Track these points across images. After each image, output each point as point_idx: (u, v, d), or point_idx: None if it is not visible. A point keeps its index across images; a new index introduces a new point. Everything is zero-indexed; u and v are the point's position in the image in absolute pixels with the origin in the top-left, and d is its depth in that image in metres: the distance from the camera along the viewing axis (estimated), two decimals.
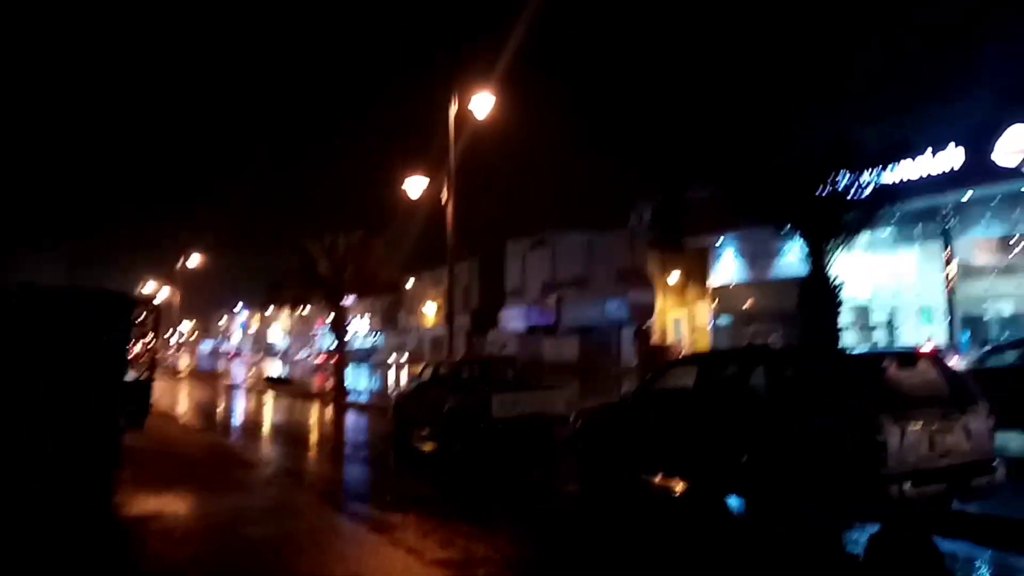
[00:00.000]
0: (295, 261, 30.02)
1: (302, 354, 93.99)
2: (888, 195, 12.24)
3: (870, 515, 6.96)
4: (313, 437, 17.87)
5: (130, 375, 13.06)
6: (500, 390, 13.39)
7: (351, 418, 21.50)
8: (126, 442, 13.36)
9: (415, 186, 21.44)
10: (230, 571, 6.43)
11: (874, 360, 7.00)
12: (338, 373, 28.77)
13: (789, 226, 12.10)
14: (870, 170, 11.82)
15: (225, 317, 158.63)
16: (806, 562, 6.58)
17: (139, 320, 13.20)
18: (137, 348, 13.24)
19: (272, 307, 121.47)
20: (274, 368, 57.53)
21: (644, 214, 57.36)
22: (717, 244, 48.49)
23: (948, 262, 36.81)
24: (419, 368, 19.53)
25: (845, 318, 43.04)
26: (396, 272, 32.26)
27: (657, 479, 9.74)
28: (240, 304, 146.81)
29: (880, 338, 40.21)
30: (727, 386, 8.28)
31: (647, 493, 9.66)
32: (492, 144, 24.56)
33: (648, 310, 13.42)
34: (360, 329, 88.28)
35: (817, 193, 11.62)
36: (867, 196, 11.77)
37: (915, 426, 6.50)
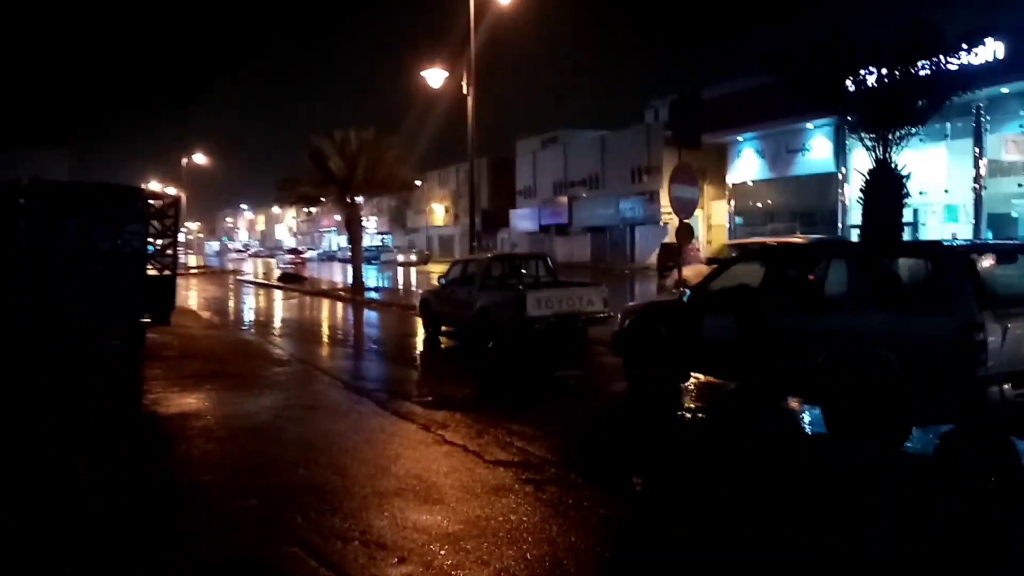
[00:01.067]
0: (305, 159, 29.11)
1: (311, 253, 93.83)
2: (958, 83, 11.34)
3: (962, 420, 6.59)
4: (337, 334, 17.62)
5: (152, 271, 12.65)
6: (534, 288, 12.93)
7: (370, 315, 21.23)
8: (153, 340, 13.14)
9: (435, 77, 20.37)
10: (285, 473, 6.10)
11: (967, 253, 6.44)
12: (356, 271, 28.39)
13: (854, 115, 11.25)
14: (941, 57, 10.90)
15: (230, 216, 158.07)
16: (864, 477, 6.21)
17: (159, 215, 12.67)
18: (158, 243, 12.76)
19: (280, 206, 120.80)
20: (285, 266, 57.47)
21: (659, 112, 55.69)
22: (737, 141, 47.25)
23: (978, 159, 35.75)
24: (444, 267, 19.06)
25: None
26: (409, 170, 31.33)
27: (714, 382, 9.39)
28: (244, 205, 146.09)
29: (907, 235, 39.58)
30: (798, 284, 7.77)
31: (699, 396, 9.32)
32: (503, 40, 23.26)
33: (692, 205, 12.69)
34: (367, 229, 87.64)
35: (886, 79, 10.74)
36: (938, 83, 10.89)
37: (1017, 325, 6.02)
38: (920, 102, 10.74)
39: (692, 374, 9.13)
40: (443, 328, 15.16)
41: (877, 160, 10.92)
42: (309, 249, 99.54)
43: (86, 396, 9.33)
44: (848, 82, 11.15)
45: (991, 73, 29.77)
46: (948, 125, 37.43)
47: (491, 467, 6.25)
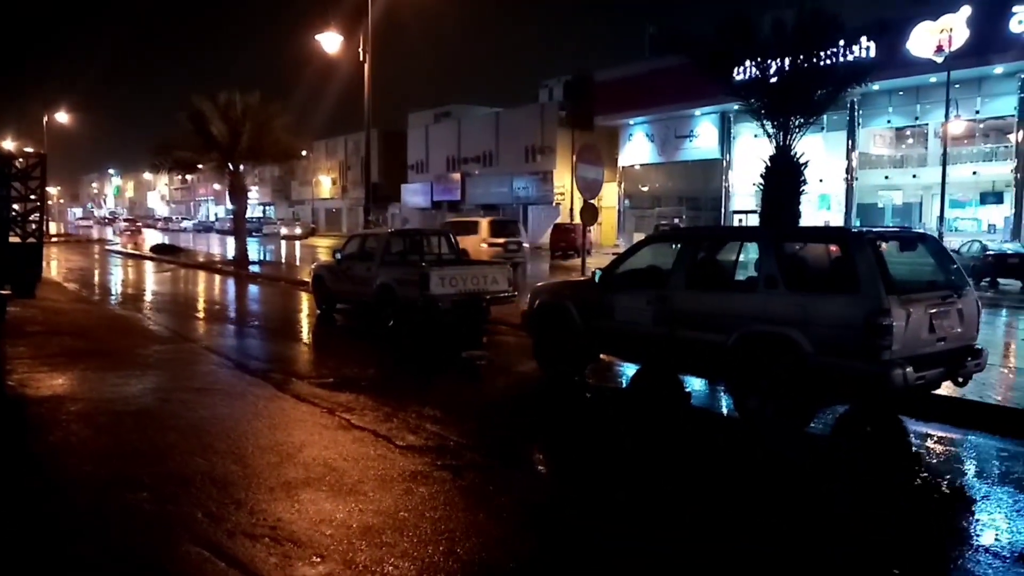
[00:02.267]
0: (185, 121, 27.37)
1: (186, 223, 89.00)
2: (855, 74, 11.78)
3: (866, 401, 6.82)
4: (222, 310, 16.65)
5: (14, 238, 11.46)
6: (437, 265, 12.59)
7: (256, 291, 20.24)
8: (15, 314, 11.92)
9: (329, 42, 19.46)
10: (179, 462, 5.56)
11: (875, 239, 6.63)
12: (240, 243, 27.07)
13: (757, 101, 11.50)
14: (841, 48, 11.26)
15: (96, 182, 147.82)
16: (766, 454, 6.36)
17: (21, 176, 11.46)
18: (19, 208, 11.55)
19: (155, 172, 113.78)
20: (157, 236, 54.28)
21: (554, 91, 56.00)
22: (628, 125, 48.16)
23: (850, 152, 37.97)
24: (331, 241, 18.26)
25: (747, 202, 43.92)
26: (297, 139, 30.07)
27: (623, 362, 9.41)
28: (112, 169, 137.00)
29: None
30: (710, 266, 7.83)
31: (607, 378, 9.33)
32: (395, 8, 22.40)
33: (598, 185, 12.69)
34: (249, 199, 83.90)
35: (789, 67, 11.01)
36: (836, 74, 11.27)
37: (918, 309, 6.26)
38: (820, 91, 11.09)
39: (602, 355, 9.09)
40: (337, 305, 14.58)
41: (778, 147, 11.22)
42: (184, 219, 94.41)
43: None
44: (750, 65, 11.35)
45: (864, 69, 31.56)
46: (824, 118, 39.45)
47: (405, 453, 5.95)
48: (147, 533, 4.33)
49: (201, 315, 15.33)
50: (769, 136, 11.51)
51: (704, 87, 41.72)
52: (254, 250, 36.93)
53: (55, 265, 26.78)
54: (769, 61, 11.16)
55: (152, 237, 57.06)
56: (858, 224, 38.62)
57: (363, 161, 24.89)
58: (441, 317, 12.31)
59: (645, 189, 48.33)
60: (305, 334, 13.34)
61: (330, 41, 19.43)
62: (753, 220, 42.64)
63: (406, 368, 9.88)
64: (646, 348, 7.92)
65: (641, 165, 47.95)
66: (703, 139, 44.53)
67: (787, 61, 11.09)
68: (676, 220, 45.24)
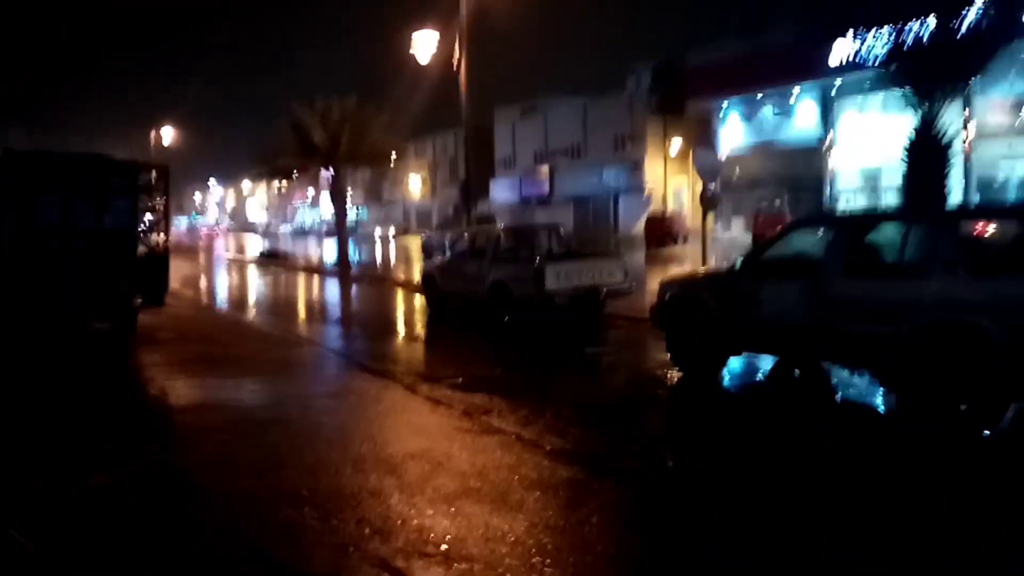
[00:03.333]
0: (283, 130, 28.02)
1: (282, 228, 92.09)
2: (1007, 34, 10.67)
3: None
4: (336, 312, 16.83)
5: (142, 248, 11.78)
6: (552, 260, 12.25)
7: (365, 292, 20.44)
8: (145, 322, 12.28)
9: (425, 43, 19.38)
10: (333, 474, 5.40)
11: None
12: (342, 245, 27.53)
13: (895, 70, 10.60)
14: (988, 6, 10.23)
15: (198, 192, 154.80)
16: None
17: (148, 188, 11.76)
18: (148, 218, 11.86)
19: (251, 181, 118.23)
20: (259, 243, 56.22)
21: (643, 78, 54.82)
22: (722, 108, 46.57)
23: (966, 123, 35.50)
24: (435, 237, 18.18)
25: (853, 182, 41.79)
26: (392, 140, 30.32)
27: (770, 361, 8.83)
28: (213, 179, 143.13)
29: (893, 201, 39.42)
30: (871, 251, 7.18)
31: (746, 372, 8.76)
32: (479, 5, 22.06)
33: (717, 169, 12.06)
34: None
35: (936, 29, 10.08)
36: (983, 37, 10.23)
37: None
38: (980, 55, 10.09)
39: (744, 351, 8.53)
40: (454, 305, 14.46)
41: (923, 119, 10.31)
42: (283, 224, 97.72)
43: (87, 386, 8.52)
44: (889, 31, 10.45)
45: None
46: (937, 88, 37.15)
47: (557, 459, 5.62)
48: (320, 552, 4.14)
49: (317, 317, 15.52)
50: (913, 108, 10.58)
51: (803, 63, 40.26)
52: (352, 251, 37.65)
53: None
54: (911, 24, 10.20)
55: (252, 242, 59.21)
56: (978, 199, 36.11)
57: (443, 163, 24.76)
58: (558, 313, 11.99)
59: (738, 171, 46.63)
60: (421, 333, 13.27)
61: (426, 40, 19.34)
62: (861, 202, 40.56)
63: (531, 367, 9.57)
64: (801, 342, 7.34)
65: (736, 151, 46.30)
66: (802, 119, 42.56)
67: (930, 21, 10.10)
68: (777, 202, 43.50)
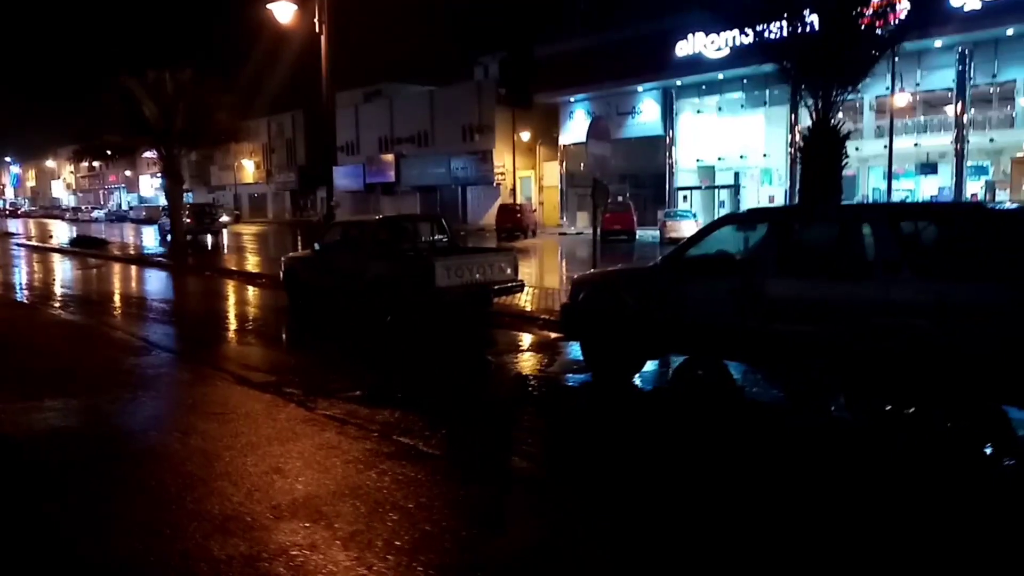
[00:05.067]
0: (111, 103, 25.06)
1: (96, 213, 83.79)
2: (897, 34, 11.03)
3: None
4: (183, 311, 14.99)
5: None
6: (441, 254, 11.42)
7: (208, 287, 18.51)
8: None
9: (283, 10, 17.76)
10: (268, 531, 4.37)
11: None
12: (176, 232, 25.08)
13: (788, 65, 10.67)
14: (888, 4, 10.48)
15: None
16: None
17: None
18: None
19: (55, 160, 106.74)
20: (67, 228, 50.72)
21: (490, 68, 54.63)
22: (569, 102, 47.31)
23: (794, 126, 38.14)
24: (255, 228, 16.73)
25: (690, 179, 43.89)
26: (233, 117, 27.98)
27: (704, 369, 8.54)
28: (10, 157, 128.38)
29: (726, 198, 41.73)
30: (807, 249, 7.00)
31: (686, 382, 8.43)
32: None
33: (607, 162, 11.59)
34: (159, 185, 79.74)
35: (831, 26, 10.21)
36: (883, 33, 10.47)
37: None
38: (873, 52, 10.33)
39: (666, 353, 8.18)
40: (321, 302, 13.24)
41: (817, 117, 10.46)
42: (95, 208, 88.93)
43: None
44: (782, 25, 10.50)
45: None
46: (767, 92, 39.66)
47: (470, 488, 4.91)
48: None
49: (161, 317, 13.70)
50: (807, 107, 10.74)
51: (647, 62, 41.72)
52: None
53: None
54: (806, 19, 10.27)
55: (60, 229, 53.29)
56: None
57: (280, 147, 23.21)
58: (446, 311, 11.22)
59: (579, 169, 47.55)
60: (291, 336, 12.00)
61: (283, 10, 17.73)
62: (696, 199, 42.64)
63: (430, 375, 8.72)
64: (732, 344, 7.04)
65: (583, 143, 47.12)
66: (645, 116, 44.15)
67: (825, 20, 10.22)
68: (620, 198, 44.72)
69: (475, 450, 5.90)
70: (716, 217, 10.11)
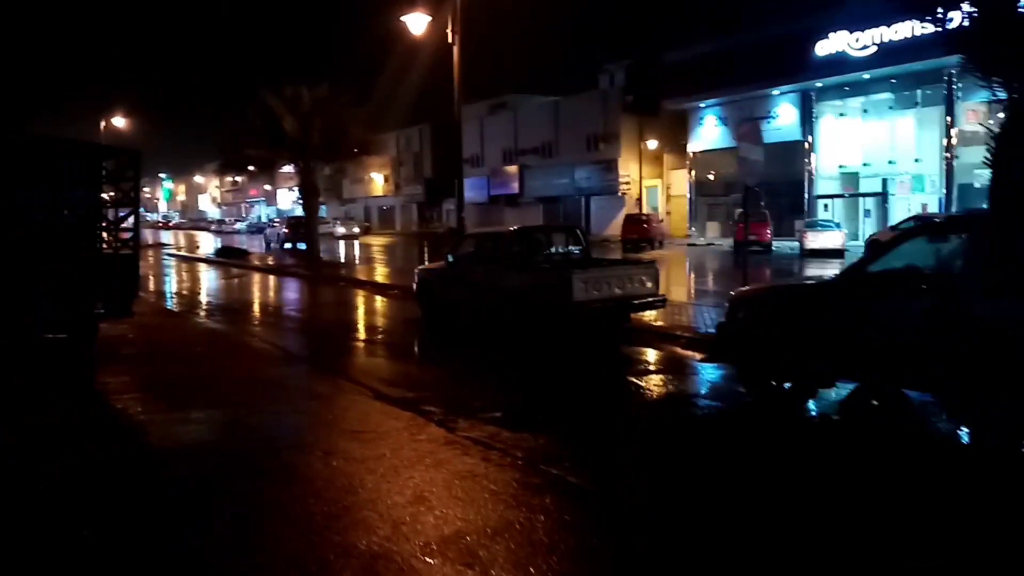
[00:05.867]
0: (252, 117, 26.21)
1: (238, 225, 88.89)
2: None
3: None
4: (321, 321, 15.21)
5: (107, 248, 10.12)
6: (579, 267, 10.90)
7: (344, 297, 18.81)
8: (106, 332, 10.59)
9: (416, 22, 17.89)
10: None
11: None
12: (312, 244, 25.83)
13: (971, 59, 9.45)
14: None
15: (147, 187, 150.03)
16: None
17: (113, 177, 10.09)
18: (112, 213, 10.21)
19: (202, 175, 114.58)
20: (212, 240, 53.86)
21: (616, 77, 53.87)
22: (699, 108, 45.83)
23: (949, 128, 35.22)
24: (384, 240, 16.71)
25: (831, 187, 41.16)
26: (366, 131, 28.64)
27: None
28: (163, 173, 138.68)
29: (872, 207, 39.05)
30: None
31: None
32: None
33: (758, 167, 10.82)
34: (296, 199, 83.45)
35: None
36: None
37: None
38: None
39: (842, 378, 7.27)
40: (449, 316, 13.01)
41: (1014, 108, 9.20)
42: (237, 220, 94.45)
43: (42, 425, 6.90)
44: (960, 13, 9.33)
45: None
46: (919, 92, 36.85)
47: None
48: None
49: (300, 327, 13.92)
50: (1002, 101, 9.50)
51: (784, 64, 39.74)
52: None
53: None
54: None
55: (206, 240, 56.67)
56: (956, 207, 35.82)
57: (407, 160, 23.31)
58: (583, 327, 10.67)
59: (711, 176, 45.82)
60: (427, 349, 11.80)
61: (416, 22, 17.85)
62: (838, 207, 40.10)
63: (572, 396, 8.19)
64: (923, 373, 6.11)
65: (712, 151, 45.52)
66: (782, 120, 42.01)
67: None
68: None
69: (631, 484, 5.31)
70: (901, 227, 8.97)
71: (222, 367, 9.62)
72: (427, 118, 69.14)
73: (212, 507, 4.92)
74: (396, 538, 4.27)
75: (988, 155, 9.25)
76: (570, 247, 12.31)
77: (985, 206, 32.73)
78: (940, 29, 9.67)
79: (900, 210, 36.50)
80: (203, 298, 19.15)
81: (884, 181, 38.44)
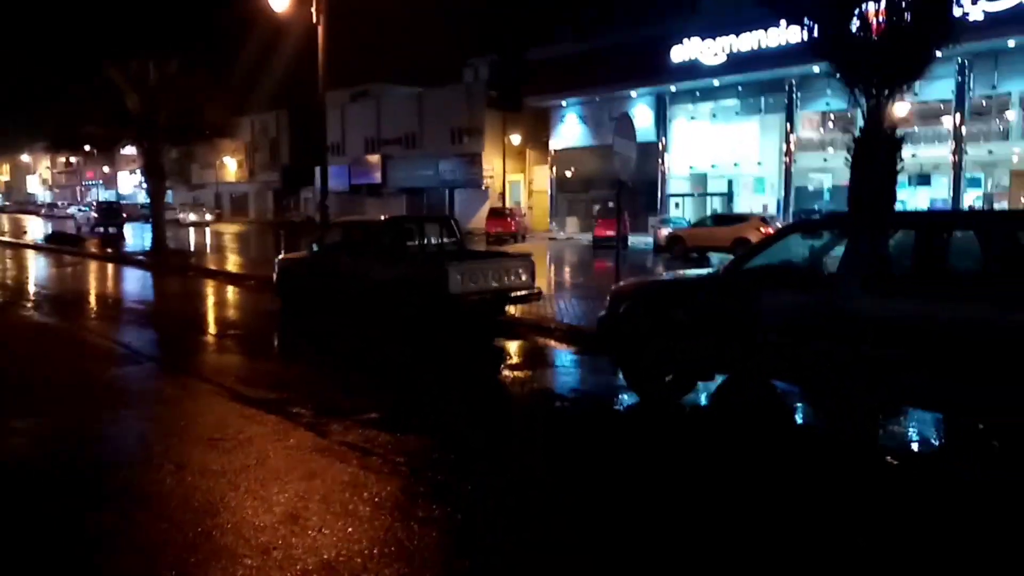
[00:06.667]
0: (92, 93, 23.90)
1: (72, 210, 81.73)
2: (959, 29, 10.24)
3: None
4: (166, 314, 13.95)
5: None
6: (455, 259, 10.51)
7: (187, 287, 17.45)
8: None
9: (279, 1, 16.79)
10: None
11: None
12: (158, 231, 23.96)
13: (852, 61, 9.79)
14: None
15: None
16: None
17: None
18: None
19: (29, 155, 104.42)
20: (41, 225, 49.33)
21: (480, 71, 53.77)
22: (560, 106, 46.54)
23: (788, 134, 37.65)
24: (237, 228, 15.86)
25: (682, 186, 43.26)
26: (220, 113, 26.81)
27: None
28: None
29: (718, 206, 41.10)
30: (907, 262, 6.16)
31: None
32: None
33: (631, 163, 10.73)
34: (137, 184, 77.97)
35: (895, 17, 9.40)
36: (945, 28, 9.69)
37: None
38: (929, 49, 9.57)
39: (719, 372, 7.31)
40: (318, 308, 12.28)
41: (870, 119, 9.68)
42: (70, 205, 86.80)
43: None
44: (809, 26, 9.74)
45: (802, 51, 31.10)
46: (763, 99, 39.14)
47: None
48: None
49: (145, 322, 12.68)
50: (860, 106, 9.97)
51: (642, 67, 41.07)
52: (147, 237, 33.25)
53: None
54: (866, 10, 9.45)
55: (35, 226, 51.66)
56: (793, 209, 38.40)
57: (263, 146, 22.27)
58: (458, 320, 10.33)
59: (569, 174, 46.71)
60: (289, 344, 11.04)
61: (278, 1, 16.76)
62: (688, 206, 41.99)
63: (449, 392, 7.81)
64: (801, 366, 6.20)
65: (573, 148, 46.42)
66: (638, 121, 42.98)
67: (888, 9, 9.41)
68: (611, 204, 43.83)
69: (525, 494, 5.01)
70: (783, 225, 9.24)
71: (52, 367, 8.51)
72: (285, 103, 66.41)
73: (34, 543, 4.15)
74: (267, 568, 3.73)
75: (847, 156, 9.72)
76: (444, 239, 11.90)
77: (816, 207, 35.11)
78: (806, 37, 10.04)
79: (744, 210, 38.68)
80: (30, 288, 17.18)
81: (730, 182, 40.65)
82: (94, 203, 51.46)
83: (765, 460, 5.66)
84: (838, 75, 10.00)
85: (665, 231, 30.00)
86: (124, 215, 43.07)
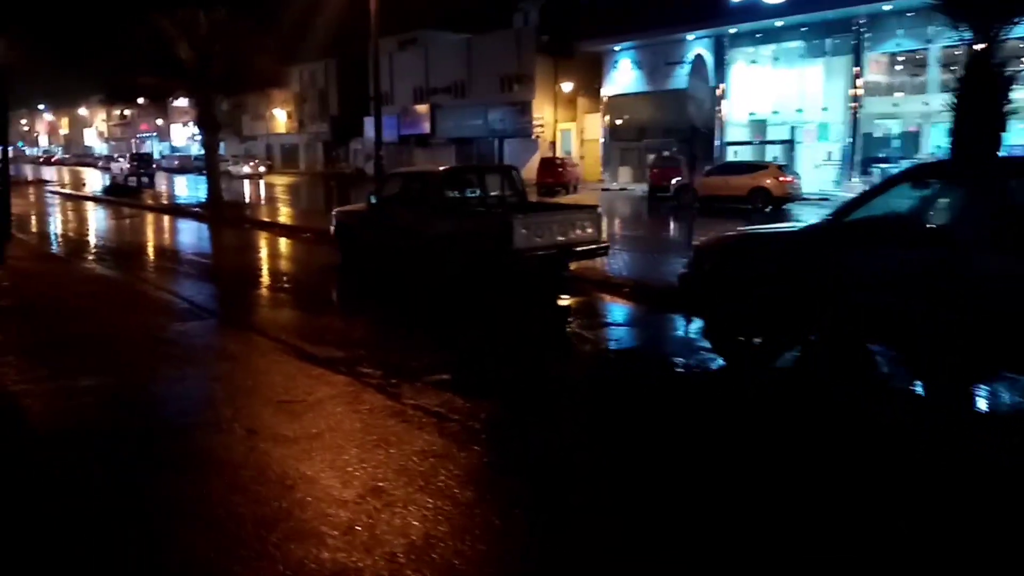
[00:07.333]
0: (144, 44, 23.71)
1: (116, 162, 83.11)
2: None
3: None
4: (227, 267, 13.85)
5: None
6: (519, 211, 10.06)
7: (244, 240, 17.37)
8: None
9: None
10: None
11: None
12: (213, 183, 23.94)
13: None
14: None
15: (25, 119, 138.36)
16: None
17: None
18: None
19: (87, 109, 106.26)
20: (99, 177, 50.17)
21: (530, 16, 52.33)
22: (614, 50, 45.07)
23: (855, 78, 35.82)
24: (288, 179, 15.55)
25: (741, 134, 41.71)
26: (273, 62, 26.43)
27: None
28: (42, 105, 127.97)
29: (779, 154, 39.61)
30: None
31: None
32: None
33: (706, 109, 10.05)
34: (192, 135, 78.81)
35: None
36: None
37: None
38: None
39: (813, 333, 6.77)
40: (372, 262, 12.00)
41: (975, 57, 8.83)
42: (119, 157, 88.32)
43: None
44: None
45: None
46: (828, 41, 37.24)
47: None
48: None
49: (204, 275, 12.58)
50: (964, 43, 9.12)
51: (698, 9, 39.37)
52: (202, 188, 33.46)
53: None
54: None
55: (92, 178, 52.63)
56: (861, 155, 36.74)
57: (312, 97, 21.86)
58: (523, 276, 9.93)
59: (621, 123, 45.40)
60: (350, 300, 10.80)
61: None
62: (747, 154, 40.50)
63: (520, 352, 7.45)
64: (923, 332, 5.64)
65: (627, 95, 45.03)
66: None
67: None
68: (666, 153, 42.61)
69: (615, 470, 4.64)
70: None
71: (116, 323, 8.39)
72: (332, 53, 65.86)
73: (105, 511, 3.93)
74: (353, 549, 3.44)
75: (953, 97, 8.91)
76: (505, 191, 11.42)
77: (884, 155, 33.27)
78: None
79: (807, 157, 37.21)
80: (91, 241, 17.29)
81: (792, 129, 39.00)
82: (127, 155, 54.25)
83: (852, 433, 5.19)
84: (944, 8, 9.11)
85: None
86: (154, 165, 47.24)
